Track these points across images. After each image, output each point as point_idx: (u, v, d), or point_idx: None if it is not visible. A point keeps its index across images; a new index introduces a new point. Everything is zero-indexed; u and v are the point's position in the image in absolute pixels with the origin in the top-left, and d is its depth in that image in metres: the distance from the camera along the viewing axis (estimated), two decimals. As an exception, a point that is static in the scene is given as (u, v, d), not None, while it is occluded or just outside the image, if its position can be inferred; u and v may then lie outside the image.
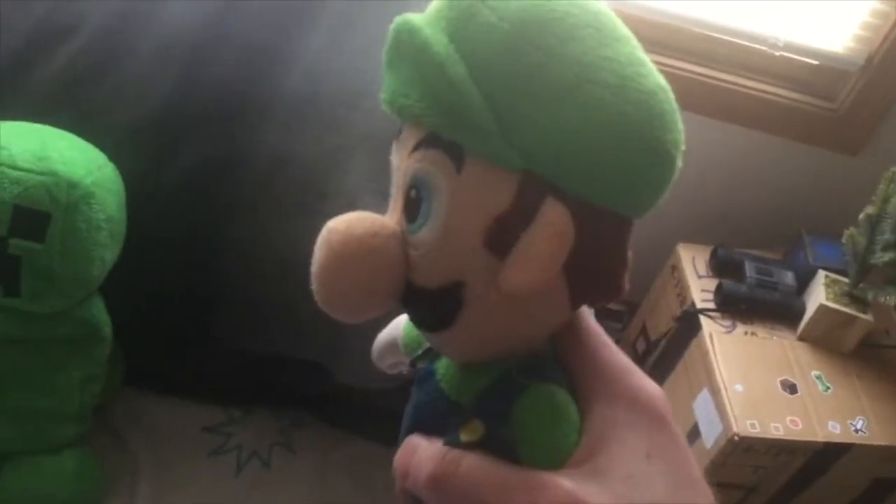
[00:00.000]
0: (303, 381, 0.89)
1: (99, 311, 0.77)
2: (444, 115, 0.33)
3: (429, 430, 0.38)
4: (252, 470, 0.88)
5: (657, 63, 0.35)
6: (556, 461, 0.34)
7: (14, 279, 0.69)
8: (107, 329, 0.77)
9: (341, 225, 0.35)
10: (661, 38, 1.53)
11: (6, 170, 0.68)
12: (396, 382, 0.84)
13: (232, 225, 0.79)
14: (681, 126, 0.34)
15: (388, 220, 0.36)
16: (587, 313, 0.38)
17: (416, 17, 0.35)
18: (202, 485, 0.86)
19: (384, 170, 0.83)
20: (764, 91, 1.54)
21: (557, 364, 0.38)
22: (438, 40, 0.33)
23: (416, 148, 0.35)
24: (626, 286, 0.36)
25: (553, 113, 0.32)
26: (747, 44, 1.52)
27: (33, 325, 0.74)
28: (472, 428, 0.36)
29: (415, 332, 0.46)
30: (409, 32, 0.34)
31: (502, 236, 0.33)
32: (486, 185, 0.33)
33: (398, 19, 0.35)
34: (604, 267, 0.35)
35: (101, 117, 0.78)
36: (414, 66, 0.34)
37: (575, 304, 0.36)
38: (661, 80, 0.33)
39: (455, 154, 0.33)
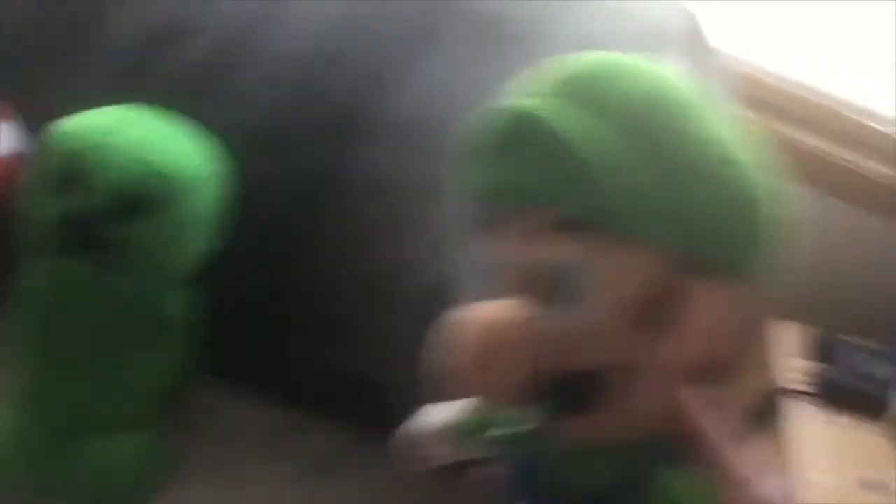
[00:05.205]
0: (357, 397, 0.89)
1: (182, 304, 0.79)
2: (585, 199, 0.32)
3: None
4: (310, 477, 0.89)
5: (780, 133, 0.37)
6: None
7: (104, 259, 0.72)
8: (187, 321, 0.80)
9: (480, 316, 0.36)
10: (788, 108, 1.48)
11: (118, 152, 0.71)
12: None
13: (322, 240, 0.80)
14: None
15: (516, 307, 0.36)
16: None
17: (537, 104, 0.34)
18: (263, 486, 0.87)
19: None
20: (886, 175, 1.48)
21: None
22: (576, 128, 0.33)
23: (543, 232, 0.34)
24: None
25: (689, 190, 0.33)
26: (871, 124, 1.46)
27: (118, 305, 0.77)
28: None
29: (477, 418, 0.47)
30: (535, 121, 0.34)
31: (649, 313, 0.34)
32: (632, 265, 0.34)
33: (516, 108, 0.35)
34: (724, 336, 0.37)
35: (215, 118, 0.81)
36: (543, 153, 0.33)
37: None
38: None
39: (600, 236, 0.33)
